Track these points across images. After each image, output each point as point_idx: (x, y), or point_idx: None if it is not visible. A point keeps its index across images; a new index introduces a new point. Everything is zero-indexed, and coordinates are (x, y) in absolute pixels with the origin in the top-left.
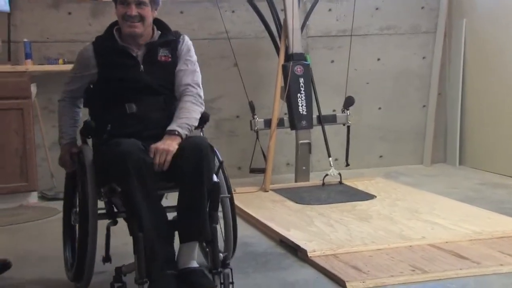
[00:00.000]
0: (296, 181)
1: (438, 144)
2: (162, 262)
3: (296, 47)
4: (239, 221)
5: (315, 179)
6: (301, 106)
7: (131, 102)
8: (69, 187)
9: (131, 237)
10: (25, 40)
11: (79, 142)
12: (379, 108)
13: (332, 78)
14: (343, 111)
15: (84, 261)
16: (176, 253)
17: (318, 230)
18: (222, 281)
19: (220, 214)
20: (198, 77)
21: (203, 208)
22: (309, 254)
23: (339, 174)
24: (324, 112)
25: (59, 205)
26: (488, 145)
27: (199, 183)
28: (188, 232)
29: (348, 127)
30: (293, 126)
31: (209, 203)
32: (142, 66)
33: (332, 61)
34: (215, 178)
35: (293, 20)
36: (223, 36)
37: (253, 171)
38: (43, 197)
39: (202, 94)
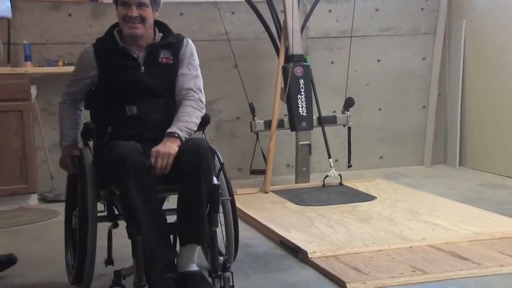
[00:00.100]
0: (296, 182)
1: (438, 145)
2: (161, 265)
3: (296, 48)
4: (240, 223)
5: (315, 180)
6: (301, 107)
7: (131, 104)
8: (71, 189)
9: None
10: (25, 42)
11: (80, 144)
12: (379, 109)
13: (332, 79)
14: (343, 112)
15: (84, 263)
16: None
17: (318, 231)
18: (222, 284)
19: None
20: (200, 82)
21: (202, 210)
22: (310, 255)
23: (339, 175)
24: (324, 113)
25: (59, 207)
26: (488, 146)
27: (197, 184)
28: (186, 234)
29: (349, 128)
30: (293, 127)
31: (209, 205)
32: (143, 67)
33: (332, 62)
34: (215, 180)
35: (293, 22)
36: (223, 38)
37: (253, 172)
38: (43, 199)
39: (203, 99)
